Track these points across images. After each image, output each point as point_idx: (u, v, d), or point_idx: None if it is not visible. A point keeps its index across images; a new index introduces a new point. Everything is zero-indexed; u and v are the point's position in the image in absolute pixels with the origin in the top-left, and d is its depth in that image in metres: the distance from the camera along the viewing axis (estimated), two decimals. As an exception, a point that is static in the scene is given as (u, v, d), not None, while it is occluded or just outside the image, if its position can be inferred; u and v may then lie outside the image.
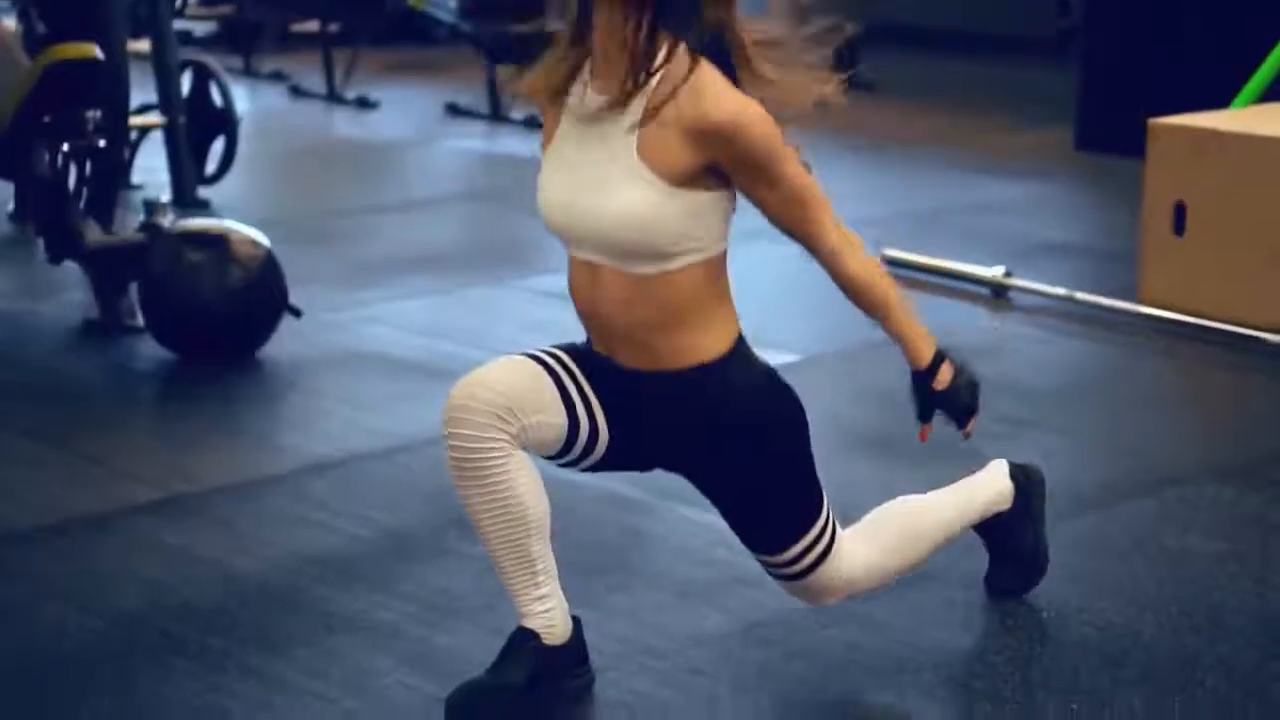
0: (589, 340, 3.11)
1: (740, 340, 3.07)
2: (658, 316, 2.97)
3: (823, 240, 3.03)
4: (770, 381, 3.10)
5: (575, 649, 3.14)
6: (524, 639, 3.08)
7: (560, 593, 3.11)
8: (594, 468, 3.13)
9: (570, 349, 3.11)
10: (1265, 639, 3.41)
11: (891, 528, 3.32)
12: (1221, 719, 3.10)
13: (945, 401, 3.17)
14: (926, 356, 3.15)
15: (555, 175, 3.00)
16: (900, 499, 3.40)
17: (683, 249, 2.94)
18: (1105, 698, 3.18)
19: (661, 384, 3.02)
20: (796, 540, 3.15)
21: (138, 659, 3.30)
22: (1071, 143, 8.28)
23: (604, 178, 2.91)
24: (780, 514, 3.15)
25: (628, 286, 2.96)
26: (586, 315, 3.06)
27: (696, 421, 3.05)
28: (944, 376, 3.16)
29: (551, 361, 3.05)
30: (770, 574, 3.25)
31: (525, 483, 2.99)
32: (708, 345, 3.02)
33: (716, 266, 3.01)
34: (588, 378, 3.06)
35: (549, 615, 3.09)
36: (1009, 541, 3.54)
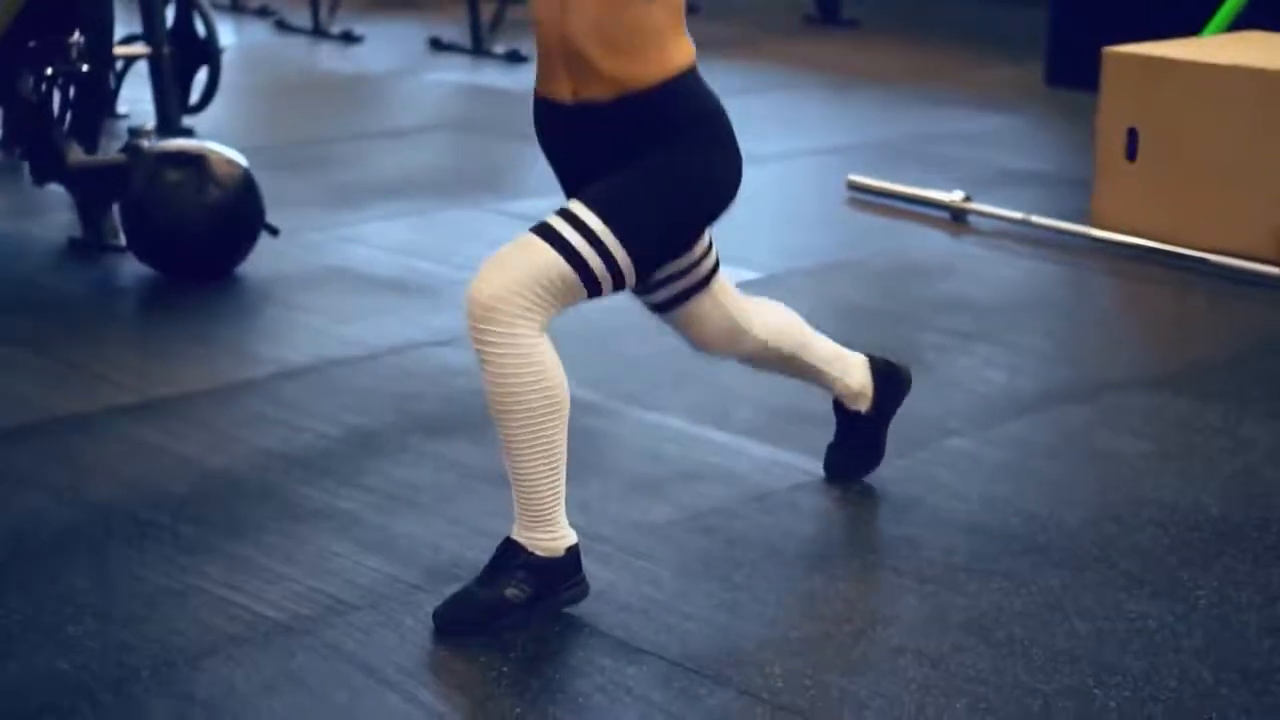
0: (543, 102, 3.21)
1: (695, 65, 3.16)
2: (626, 38, 3.06)
3: None
4: (724, 116, 3.18)
5: (575, 560, 3.22)
6: (511, 553, 3.16)
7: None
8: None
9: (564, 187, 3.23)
10: (1180, 528, 3.60)
11: (784, 316, 3.54)
12: (1130, 595, 3.29)
13: None
14: None
15: None
16: (793, 322, 3.59)
17: None
18: (1025, 579, 3.36)
19: (621, 109, 3.10)
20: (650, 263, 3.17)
21: (112, 543, 3.49)
22: (1041, 78, 8.44)
23: None
24: (660, 219, 3.13)
25: (599, 6, 3.05)
26: (553, 43, 3.12)
27: (647, 134, 3.10)
28: None
29: (556, 223, 3.09)
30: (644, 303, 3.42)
31: (555, 365, 3.08)
32: (671, 61, 3.10)
33: (679, 4, 3.12)
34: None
35: (568, 529, 3.18)
36: (857, 434, 3.77)
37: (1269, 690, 2.95)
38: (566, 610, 3.20)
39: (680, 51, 3.13)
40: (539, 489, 3.12)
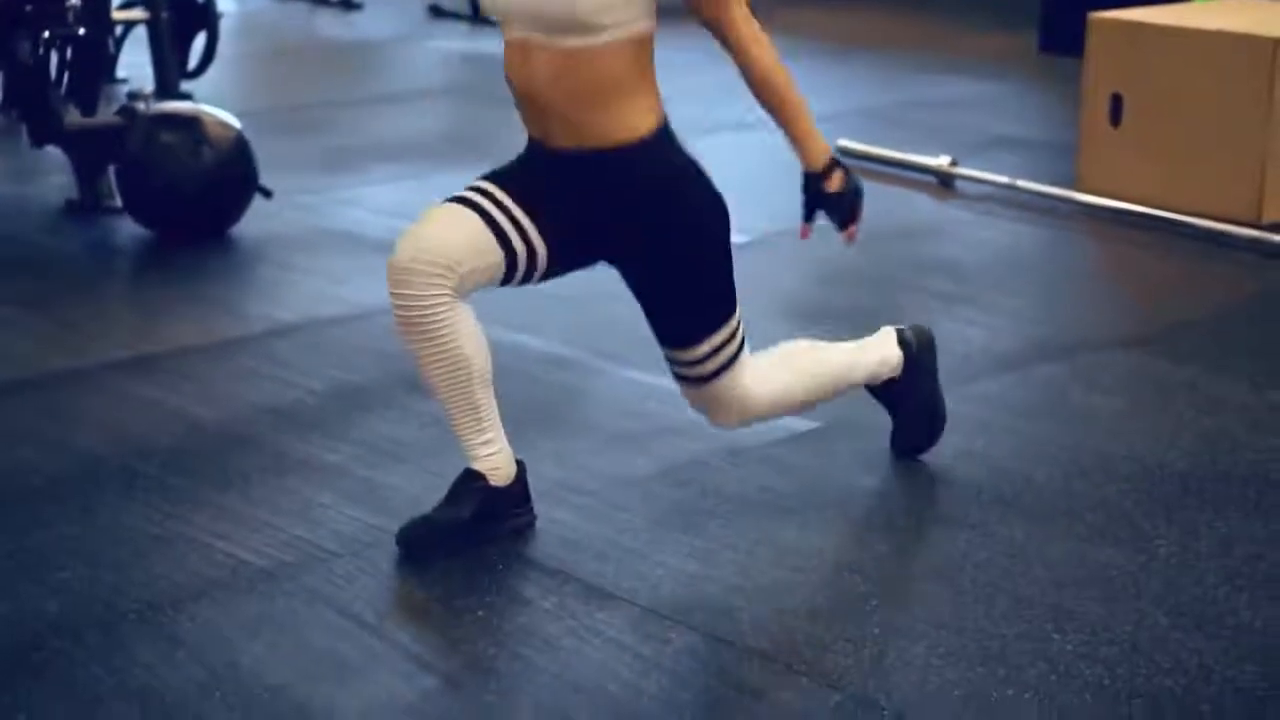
0: (529, 139, 3.30)
1: (666, 126, 3.25)
2: (585, 91, 3.14)
3: (733, 28, 3.22)
4: (694, 169, 3.29)
5: (518, 490, 3.41)
6: (470, 479, 3.35)
7: (504, 438, 3.37)
8: (543, 279, 3.35)
9: (498, 176, 3.30)
10: (1147, 483, 3.67)
11: (795, 363, 3.55)
12: (1093, 546, 3.37)
13: (832, 204, 3.36)
14: (820, 160, 3.32)
15: None
16: (805, 341, 3.64)
17: (607, 23, 3.10)
18: (990, 530, 3.45)
19: (591, 165, 3.20)
20: (707, 335, 3.35)
21: (101, 492, 3.58)
22: (1036, 45, 8.49)
23: None
24: (695, 302, 3.34)
25: (556, 61, 3.14)
26: (521, 95, 3.23)
27: (623, 200, 3.23)
28: (835, 181, 3.34)
29: (480, 199, 3.24)
30: (679, 377, 3.44)
31: (467, 334, 3.24)
32: (634, 124, 3.19)
33: (642, 46, 3.17)
34: (519, 197, 3.25)
35: (493, 459, 3.35)
36: (904, 403, 3.76)
37: (1220, 634, 3.03)
38: (541, 558, 3.29)
39: (646, 112, 3.20)
40: None
